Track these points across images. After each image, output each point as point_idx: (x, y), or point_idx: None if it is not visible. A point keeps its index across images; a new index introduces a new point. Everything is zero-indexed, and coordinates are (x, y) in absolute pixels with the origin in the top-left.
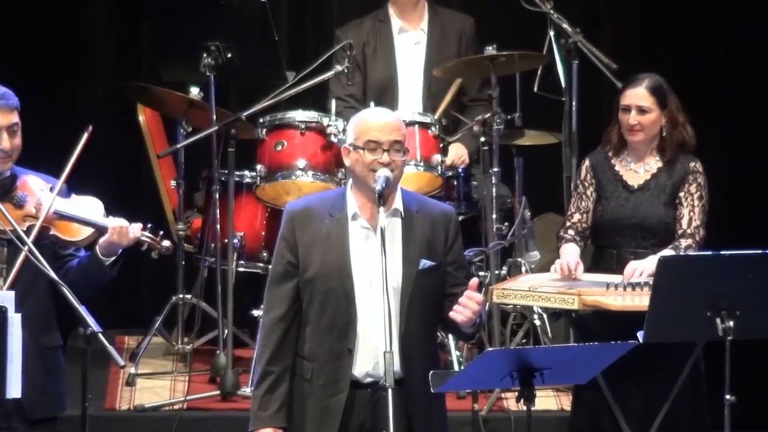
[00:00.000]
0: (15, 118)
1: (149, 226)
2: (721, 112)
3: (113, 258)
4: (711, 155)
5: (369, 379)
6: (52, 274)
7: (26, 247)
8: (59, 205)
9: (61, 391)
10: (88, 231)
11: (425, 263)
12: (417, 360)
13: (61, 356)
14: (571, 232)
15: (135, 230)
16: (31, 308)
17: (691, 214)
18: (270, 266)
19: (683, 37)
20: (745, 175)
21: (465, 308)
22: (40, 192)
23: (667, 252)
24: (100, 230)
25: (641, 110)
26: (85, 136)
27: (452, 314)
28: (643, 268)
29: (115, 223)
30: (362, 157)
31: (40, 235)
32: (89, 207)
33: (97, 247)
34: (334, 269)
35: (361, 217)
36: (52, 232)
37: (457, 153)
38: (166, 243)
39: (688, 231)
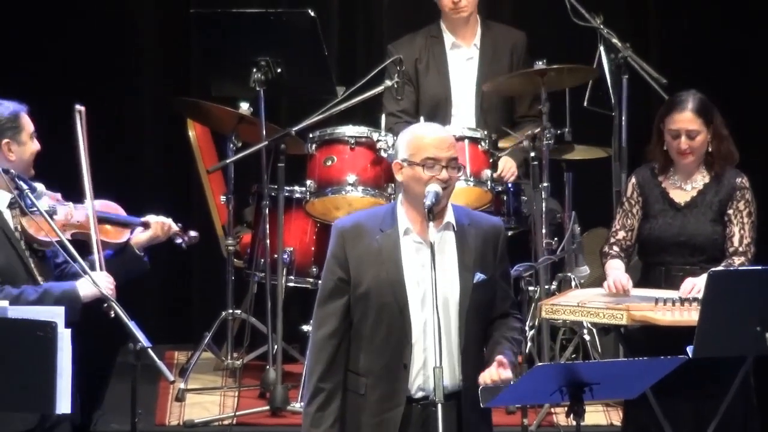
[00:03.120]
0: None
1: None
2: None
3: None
4: (758, 170)
5: (420, 394)
6: (103, 291)
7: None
8: (99, 211)
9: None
10: (127, 231)
11: (480, 276)
12: (476, 374)
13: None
14: (615, 248)
15: (173, 224)
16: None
17: (741, 231)
18: (320, 282)
19: (732, 50)
20: None
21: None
22: (56, 201)
23: (719, 269)
24: (134, 228)
25: (690, 135)
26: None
27: (480, 378)
28: (700, 285)
29: (159, 219)
30: (418, 173)
31: (84, 240)
32: (117, 209)
33: (134, 245)
34: (388, 284)
35: (413, 232)
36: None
37: (506, 165)
38: (194, 233)
39: (740, 249)
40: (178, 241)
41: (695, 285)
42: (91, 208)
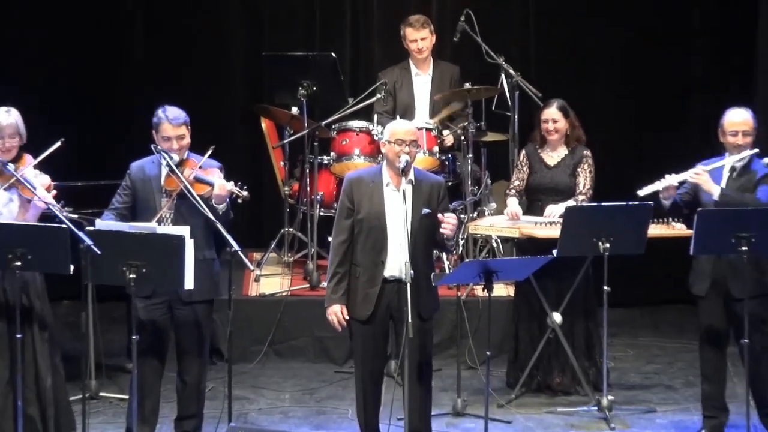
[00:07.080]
0: (182, 130)
1: (238, 183)
2: (604, 120)
3: (224, 206)
4: (597, 146)
5: (393, 277)
6: (210, 215)
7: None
8: (196, 173)
9: (216, 285)
10: (209, 188)
11: (425, 211)
12: (420, 267)
13: (217, 264)
14: (513, 191)
15: (229, 185)
16: (194, 236)
17: (584, 181)
18: (337, 210)
19: (582, 73)
20: (616, 158)
21: (446, 222)
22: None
23: (570, 203)
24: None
25: (554, 121)
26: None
27: (441, 229)
28: (557, 211)
29: (219, 181)
30: (392, 148)
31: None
32: (214, 170)
33: (213, 200)
34: (375, 214)
35: (391, 184)
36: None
37: (451, 141)
38: (245, 193)
39: (583, 191)
40: (234, 197)
41: (553, 211)
42: (193, 173)
